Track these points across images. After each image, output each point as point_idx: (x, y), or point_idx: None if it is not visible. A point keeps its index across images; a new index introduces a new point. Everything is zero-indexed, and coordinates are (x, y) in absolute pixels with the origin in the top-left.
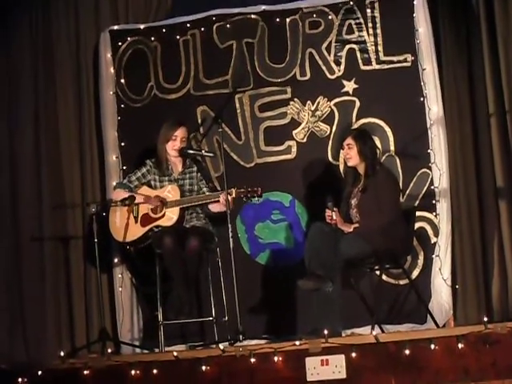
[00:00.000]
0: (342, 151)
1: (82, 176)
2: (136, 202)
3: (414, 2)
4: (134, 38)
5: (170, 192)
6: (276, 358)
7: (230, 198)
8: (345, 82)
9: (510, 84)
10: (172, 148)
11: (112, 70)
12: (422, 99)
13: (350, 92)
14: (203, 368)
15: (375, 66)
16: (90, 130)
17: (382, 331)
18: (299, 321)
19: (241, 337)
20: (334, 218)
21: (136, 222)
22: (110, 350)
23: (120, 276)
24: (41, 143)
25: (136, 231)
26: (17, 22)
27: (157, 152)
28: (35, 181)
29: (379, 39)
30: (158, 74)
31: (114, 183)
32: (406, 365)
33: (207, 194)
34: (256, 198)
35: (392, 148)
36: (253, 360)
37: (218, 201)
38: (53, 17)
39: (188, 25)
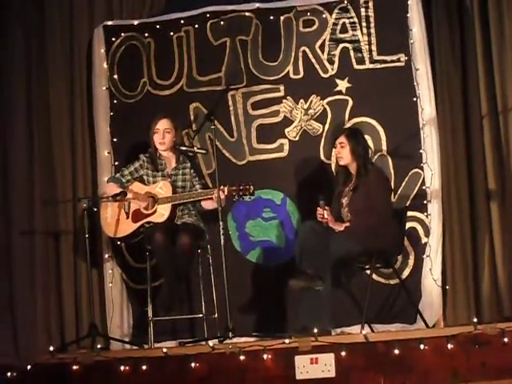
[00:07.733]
0: (334, 150)
1: (73, 171)
2: (127, 198)
3: (408, 2)
4: (127, 34)
5: (162, 188)
6: (265, 356)
7: (222, 195)
8: (338, 81)
9: (503, 85)
10: (158, 142)
11: (105, 66)
12: (414, 99)
13: (343, 91)
14: (192, 365)
15: (368, 66)
16: (83, 125)
17: (372, 330)
18: (289, 319)
19: (230, 334)
20: (326, 216)
21: (127, 217)
22: (99, 346)
23: (110, 271)
24: (33, 138)
25: (127, 227)
26: (9, 16)
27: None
28: (27, 175)
29: (373, 38)
30: (151, 70)
31: (107, 177)
32: (395, 364)
33: (199, 190)
34: (248, 196)
35: (384, 148)
36: (242, 357)
37: (210, 198)
38: (47, 11)
39: (182, 21)
